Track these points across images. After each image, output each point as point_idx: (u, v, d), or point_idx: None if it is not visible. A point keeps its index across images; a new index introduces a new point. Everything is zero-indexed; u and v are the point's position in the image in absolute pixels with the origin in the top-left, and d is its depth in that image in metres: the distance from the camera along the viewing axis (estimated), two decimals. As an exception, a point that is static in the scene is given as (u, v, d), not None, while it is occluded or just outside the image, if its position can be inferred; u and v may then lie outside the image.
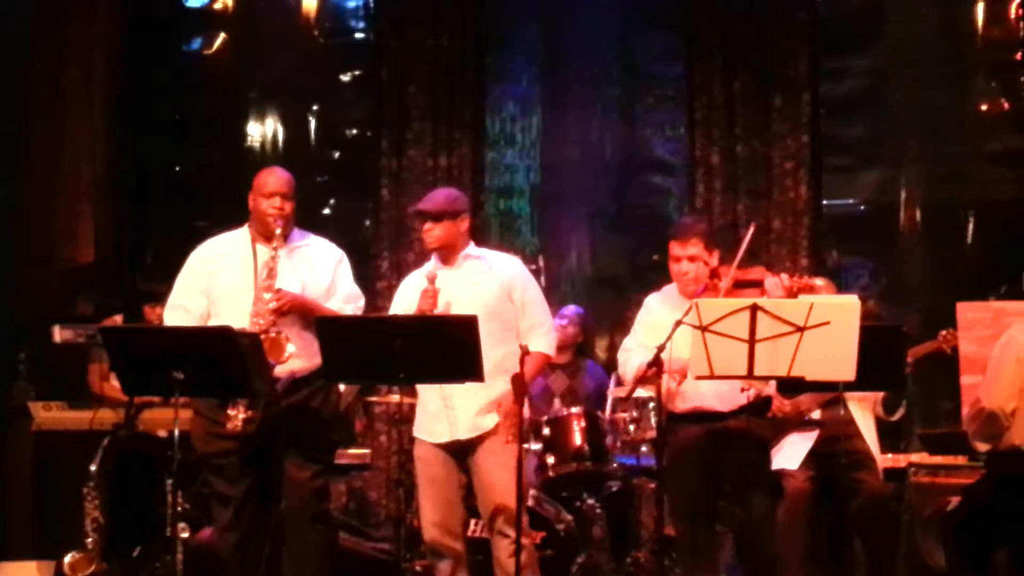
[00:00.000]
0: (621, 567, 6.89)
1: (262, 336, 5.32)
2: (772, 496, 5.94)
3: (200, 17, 9.36)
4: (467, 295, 5.58)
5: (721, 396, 5.67)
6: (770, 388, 5.96)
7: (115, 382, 6.78)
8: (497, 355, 5.45)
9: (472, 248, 5.77)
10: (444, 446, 5.61)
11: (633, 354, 5.72)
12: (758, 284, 5.48)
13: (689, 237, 5.69)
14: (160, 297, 6.59)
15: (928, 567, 6.38)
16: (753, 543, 5.77)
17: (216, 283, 5.58)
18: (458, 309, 5.52)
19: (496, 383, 5.47)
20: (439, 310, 5.52)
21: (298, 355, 5.45)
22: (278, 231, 5.50)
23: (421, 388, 5.72)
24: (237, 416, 5.33)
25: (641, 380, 5.52)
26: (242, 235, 5.67)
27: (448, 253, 5.71)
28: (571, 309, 7.62)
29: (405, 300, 5.73)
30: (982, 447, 5.85)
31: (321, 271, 5.65)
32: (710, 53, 8.22)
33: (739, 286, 5.53)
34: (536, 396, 7.23)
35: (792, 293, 5.40)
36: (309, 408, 5.53)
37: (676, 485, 5.64)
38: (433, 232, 5.66)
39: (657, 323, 5.66)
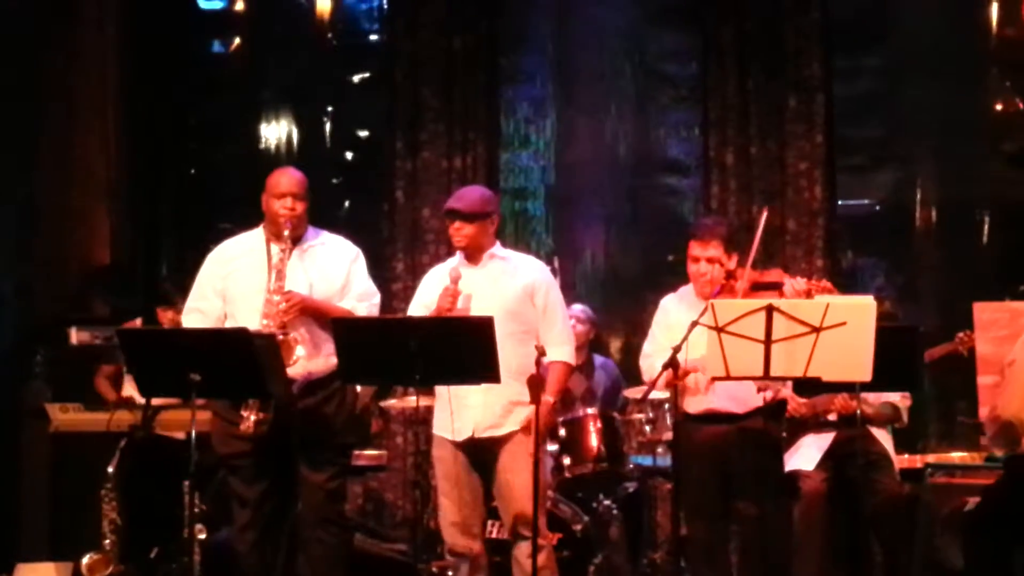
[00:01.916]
0: (638, 568, 6.89)
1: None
2: (784, 499, 5.93)
3: (214, 20, 9.38)
4: (488, 294, 5.59)
5: (735, 398, 5.67)
6: (786, 390, 5.97)
7: (129, 386, 6.83)
8: (515, 355, 5.44)
9: (498, 248, 5.77)
10: (462, 444, 5.61)
11: (656, 360, 5.71)
12: (775, 287, 5.46)
13: (710, 239, 5.67)
14: (171, 299, 6.61)
15: (945, 568, 6.35)
16: (764, 546, 5.76)
17: (231, 284, 5.59)
18: (478, 307, 5.53)
19: (514, 383, 5.45)
20: (458, 310, 5.52)
21: (312, 356, 5.47)
22: (285, 232, 5.50)
23: (439, 387, 5.72)
24: (249, 417, 5.34)
25: (656, 383, 5.52)
26: (257, 236, 5.68)
27: (474, 252, 5.71)
28: (577, 308, 7.57)
29: (427, 297, 5.71)
30: (1000, 452, 5.84)
31: (334, 270, 5.64)
32: (724, 53, 8.20)
33: (756, 288, 5.51)
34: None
35: (810, 297, 5.39)
36: (323, 412, 5.53)
37: (689, 485, 5.64)
38: (464, 231, 5.64)
39: (674, 324, 5.65)
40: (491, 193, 5.94)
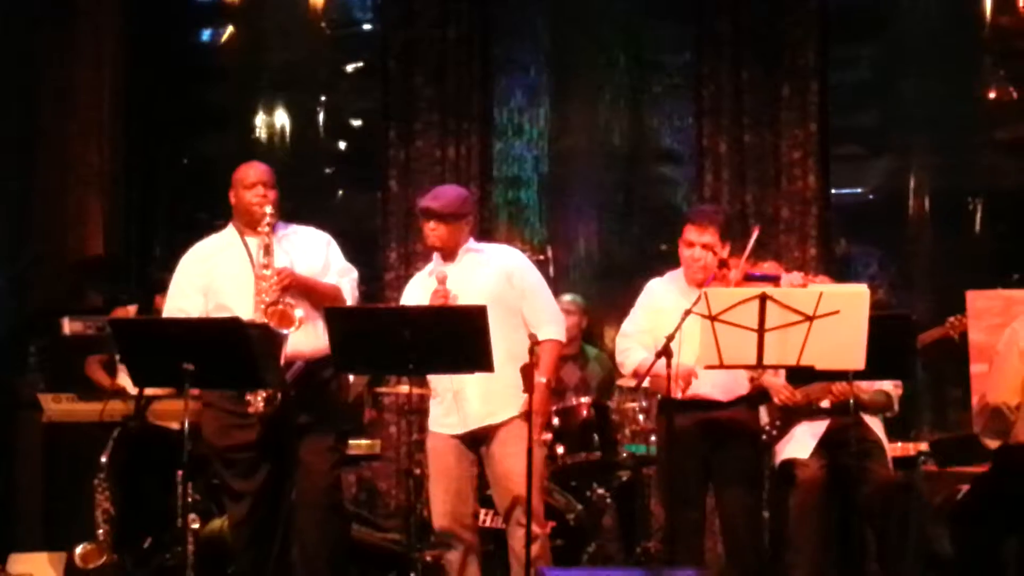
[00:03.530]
0: (631, 557, 6.89)
1: (269, 310, 5.38)
2: (756, 490, 5.95)
3: (208, 9, 9.38)
4: (467, 286, 5.59)
5: (720, 386, 5.70)
6: (779, 377, 5.98)
7: (123, 374, 6.82)
8: (505, 341, 5.41)
9: (472, 243, 5.78)
10: (457, 438, 5.61)
11: (633, 348, 5.73)
12: (768, 279, 5.47)
13: (707, 225, 5.71)
14: (166, 286, 6.61)
15: (937, 555, 6.37)
16: (734, 535, 5.79)
17: (214, 280, 5.63)
18: (460, 300, 5.53)
19: (505, 371, 5.42)
20: None
21: (309, 336, 5.49)
22: (268, 208, 5.55)
23: (433, 381, 5.73)
24: (258, 398, 5.39)
25: (646, 375, 5.53)
26: (229, 232, 5.74)
27: (450, 251, 5.72)
28: (567, 298, 7.52)
29: (412, 302, 5.73)
30: (992, 444, 5.84)
31: (312, 254, 5.72)
32: (718, 42, 8.18)
33: (749, 279, 5.53)
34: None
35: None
36: (328, 392, 5.58)
37: (667, 469, 5.66)
38: (438, 232, 5.65)
39: (658, 307, 5.69)
40: (468, 194, 5.96)
